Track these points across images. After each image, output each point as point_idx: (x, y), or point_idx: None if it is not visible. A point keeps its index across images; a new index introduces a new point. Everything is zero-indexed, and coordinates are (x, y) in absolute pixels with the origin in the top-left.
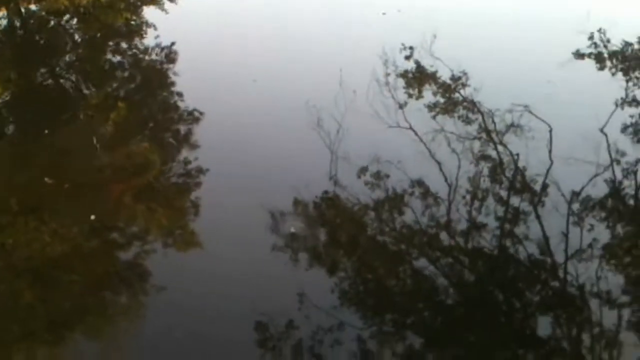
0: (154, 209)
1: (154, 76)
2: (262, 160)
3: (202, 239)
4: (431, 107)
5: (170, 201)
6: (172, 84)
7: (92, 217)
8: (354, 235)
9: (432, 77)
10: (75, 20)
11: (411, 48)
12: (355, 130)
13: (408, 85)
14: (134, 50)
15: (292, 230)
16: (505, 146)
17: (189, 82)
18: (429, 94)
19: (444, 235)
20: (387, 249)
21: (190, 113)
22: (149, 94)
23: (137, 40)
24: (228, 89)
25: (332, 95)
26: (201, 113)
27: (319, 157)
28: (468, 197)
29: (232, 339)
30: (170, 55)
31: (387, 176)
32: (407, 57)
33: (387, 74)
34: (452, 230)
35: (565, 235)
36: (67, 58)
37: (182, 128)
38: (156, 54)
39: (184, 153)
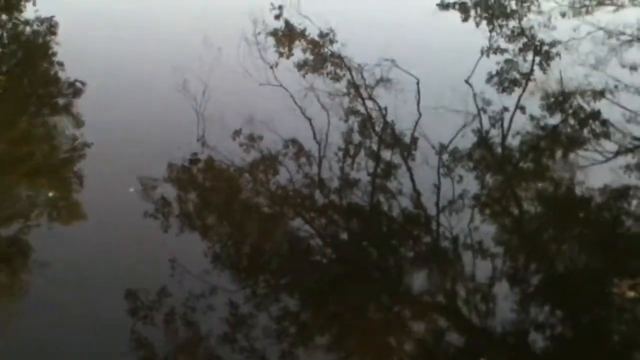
0: (35, 183)
1: (34, 49)
2: (132, 127)
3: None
4: (300, 64)
5: (53, 174)
6: (53, 55)
7: None
8: (225, 198)
9: (301, 34)
10: None
11: (280, 7)
12: (227, 90)
13: (278, 44)
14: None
15: (131, 190)
16: (374, 100)
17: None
18: (298, 52)
19: (317, 194)
20: (260, 210)
21: (72, 84)
22: (30, 67)
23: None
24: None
25: (200, 57)
26: (83, 84)
27: (189, 120)
28: (340, 153)
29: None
30: (51, 27)
31: (261, 138)
32: (277, 17)
33: (258, 33)
34: (325, 189)
35: (437, 187)
36: None
37: (64, 100)
38: (37, 26)
39: (68, 126)
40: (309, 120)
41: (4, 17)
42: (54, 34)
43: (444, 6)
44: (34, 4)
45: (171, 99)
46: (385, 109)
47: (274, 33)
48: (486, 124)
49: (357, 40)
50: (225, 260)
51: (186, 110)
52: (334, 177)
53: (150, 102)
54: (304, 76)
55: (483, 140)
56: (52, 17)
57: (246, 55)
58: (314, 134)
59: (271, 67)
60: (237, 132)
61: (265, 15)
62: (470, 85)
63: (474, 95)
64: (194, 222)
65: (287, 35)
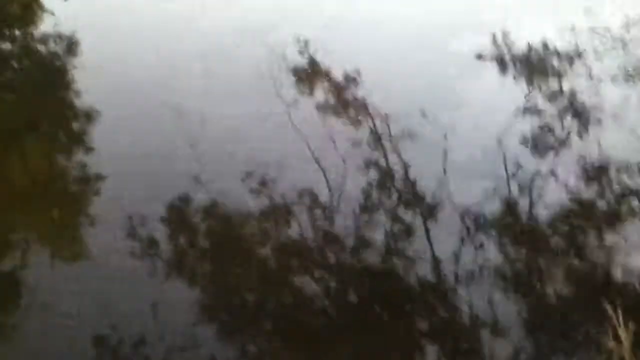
0: (39, 216)
1: (50, 68)
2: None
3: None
4: (319, 106)
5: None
6: (71, 78)
7: None
8: (221, 246)
9: (326, 74)
10: None
11: (306, 43)
12: (235, 128)
13: (300, 82)
14: (29, 38)
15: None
16: (398, 154)
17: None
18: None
19: (325, 252)
20: (259, 263)
21: (87, 112)
22: (43, 88)
23: (32, 28)
24: None
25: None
26: (97, 112)
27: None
28: (355, 208)
29: None
30: (71, 45)
31: (273, 182)
32: (301, 53)
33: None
34: (334, 247)
35: (457, 255)
36: None
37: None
38: (55, 42)
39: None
40: (323, 170)
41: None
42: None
43: (482, 57)
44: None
45: (173, 136)
46: (408, 163)
47: (294, 69)
48: (515, 189)
49: (384, 85)
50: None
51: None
52: (345, 234)
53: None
54: (322, 120)
55: (510, 207)
56: (73, 34)
57: (259, 91)
58: (328, 184)
59: (287, 107)
60: (242, 175)
61: (287, 49)
62: (502, 145)
63: (505, 156)
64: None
65: (307, 73)
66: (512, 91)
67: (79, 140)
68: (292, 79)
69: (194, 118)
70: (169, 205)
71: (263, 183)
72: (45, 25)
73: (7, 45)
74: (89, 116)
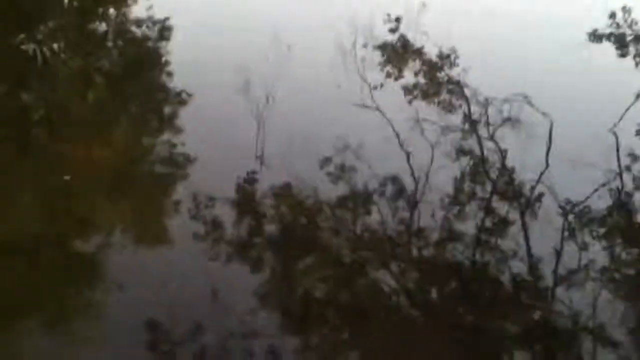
0: (124, 199)
1: (143, 51)
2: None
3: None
4: (409, 89)
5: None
6: (163, 60)
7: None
8: (290, 230)
9: (415, 52)
10: None
11: (397, 20)
12: (314, 107)
13: (388, 61)
14: (123, 20)
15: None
16: (494, 141)
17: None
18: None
19: (408, 244)
20: (333, 250)
21: (178, 94)
22: (135, 70)
23: (127, 10)
24: None
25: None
26: (189, 95)
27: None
28: (441, 199)
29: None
30: (163, 30)
31: (354, 170)
32: (393, 30)
33: (363, 46)
34: (419, 238)
35: (558, 252)
36: (50, 24)
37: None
38: (147, 27)
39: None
40: (408, 154)
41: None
42: (167, 39)
43: (595, 38)
44: None
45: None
46: (506, 152)
47: (382, 47)
48: (629, 184)
49: (483, 67)
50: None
51: (269, 129)
52: (430, 225)
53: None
54: (409, 102)
55: (621, 203)
56: (166, 18)
57: (342, 70)
58: (412, 171)
59: (370, 87)
60: (321, 158)
61: (375, 26)
62: (616, 136)
63: (618, 148)
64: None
65: (397, 52)
66: (631, 75)
67: (169, 121)
68: (379, 57)
69: (270, 99)
70: (238, 188)
71: (342, 168)
72: (139, 9)
73: (102, 27)
74: (180, 99)
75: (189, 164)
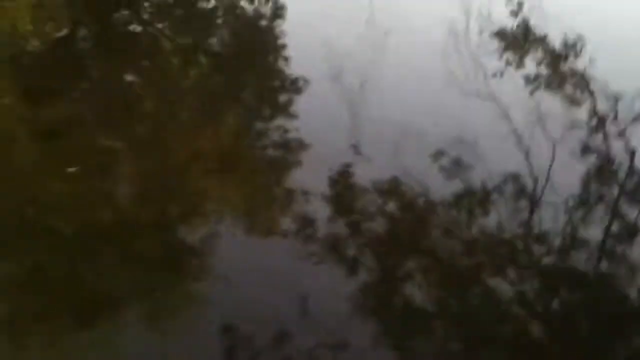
0: (231, 184)
1: (254, 31)
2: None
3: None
4: (530, 79)
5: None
6: (276, 43)
7: None
8: (398, 230)
9: (537, 40)
10: None
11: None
12: (420, 94)
13: (508, 48)
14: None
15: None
16: (625, 139)
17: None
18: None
19: (527, 253)
20: (443, 253)
21: (294, 81)
22: (245, 51)
23: None
24: None
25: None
26: (306, 81)
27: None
28: (565, 202)
29: None
30: (277, 9)
31: (469, 166)
32: (515, 14)
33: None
34: (539, 247)
35: None
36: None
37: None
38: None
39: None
40: (526, 151)
41: None
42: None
43: None
44: None
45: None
46: (635, 151)
47: (501, 33)
48: None
49: (612, 58)
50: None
51: (365, 118)
52: (552, 232)
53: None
54: (531, 93)
55: None
56: None
57: (453, 55)
58: (531, 169)
59: (484, 75)
60: (432, 152)
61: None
62: None
63: None
64: None
65: (516, 38)
66: None
67: (282, 106)
68: (496, 44)
69: (378, 88)
70: (339, 182)
71: (457, 163)
72: None
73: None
74: (295, 83)
75: (302, 151)
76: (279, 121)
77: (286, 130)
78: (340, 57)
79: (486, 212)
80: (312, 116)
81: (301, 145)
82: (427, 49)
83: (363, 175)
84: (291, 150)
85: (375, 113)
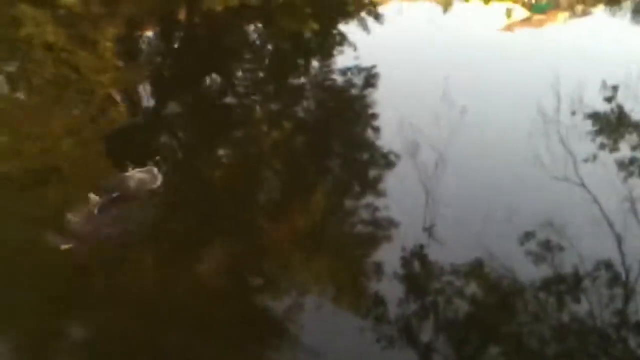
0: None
1: (344, 101)
2: None
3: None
4: (624, 164)
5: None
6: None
7: None
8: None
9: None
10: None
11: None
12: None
13: (601, 132)
14: (325, 69)
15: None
16: None
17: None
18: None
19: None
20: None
21: (385, 156)
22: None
23: (330, 59)
24: None
25: None
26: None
27: None
28: None
29: None
30: (370, 79)
31: (560, 249)
32: (609, 100)
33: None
34: (635, 333)
35: None
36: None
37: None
38: (351, 74)
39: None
40: (619, 238)
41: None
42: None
43: None
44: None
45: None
46: None
47: (594, 116)
48: None
49: None
50: None
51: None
52: None
53: None
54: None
55: None
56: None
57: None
58: (623, 257)
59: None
60: (519, 235)
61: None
62: None
63: None
64: None
65: (610, 121)
66: None
67: (371, 183)
68: (589, 127)
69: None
70: (405, 262)
71: (546, 247)
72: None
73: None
74: (386, 158)
75: (393, 229)
76: (367, 198)
77: (375, 208)
78: (416, 134)
79: (576, 299)
80: (394, 194)
81: (388, 223)
82: (510, 129)
83: (443, 257)
84: (376, 227)
85: (448, 193)
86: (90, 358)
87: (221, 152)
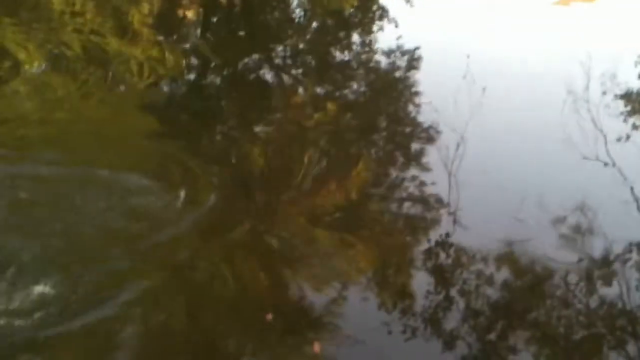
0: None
1: (387, 81)
2: None
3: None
4: None
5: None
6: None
7: None
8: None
9: None
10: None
11: None
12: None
13: (633, 112)
14: (367, 48)
15: None
16: None
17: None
18: None
19: None
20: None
21: (426, 130)
22: (376, 99)
23: (371, 37)
24: None
25: None
26: (438, 132)
27: None
28: None
29: None
30: (412, 61)
31: (591, 231)
32: None
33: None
34: None
35: None
36: (288, 48)
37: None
38: (395, 56)
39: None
40: None
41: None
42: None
43: None
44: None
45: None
46: None
47: (626, 96)
48: None
49: None
50: None
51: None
52: None
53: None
54: None
55: None
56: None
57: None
58: None
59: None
60: (549, 218)
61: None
62: None
63: None
64: None
65: None
66: None
67: (415, 159)
68: (619, 107)
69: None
70: (430, 251)
71: (578, 230)
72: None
73: (345, 55)
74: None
75: (440, 208)
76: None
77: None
78: (441, 114)
79: (609, 283)
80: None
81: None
82: (543, 108)
83: (475, 241)
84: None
85: (472, 177)
86: None
87: (259, 129)
